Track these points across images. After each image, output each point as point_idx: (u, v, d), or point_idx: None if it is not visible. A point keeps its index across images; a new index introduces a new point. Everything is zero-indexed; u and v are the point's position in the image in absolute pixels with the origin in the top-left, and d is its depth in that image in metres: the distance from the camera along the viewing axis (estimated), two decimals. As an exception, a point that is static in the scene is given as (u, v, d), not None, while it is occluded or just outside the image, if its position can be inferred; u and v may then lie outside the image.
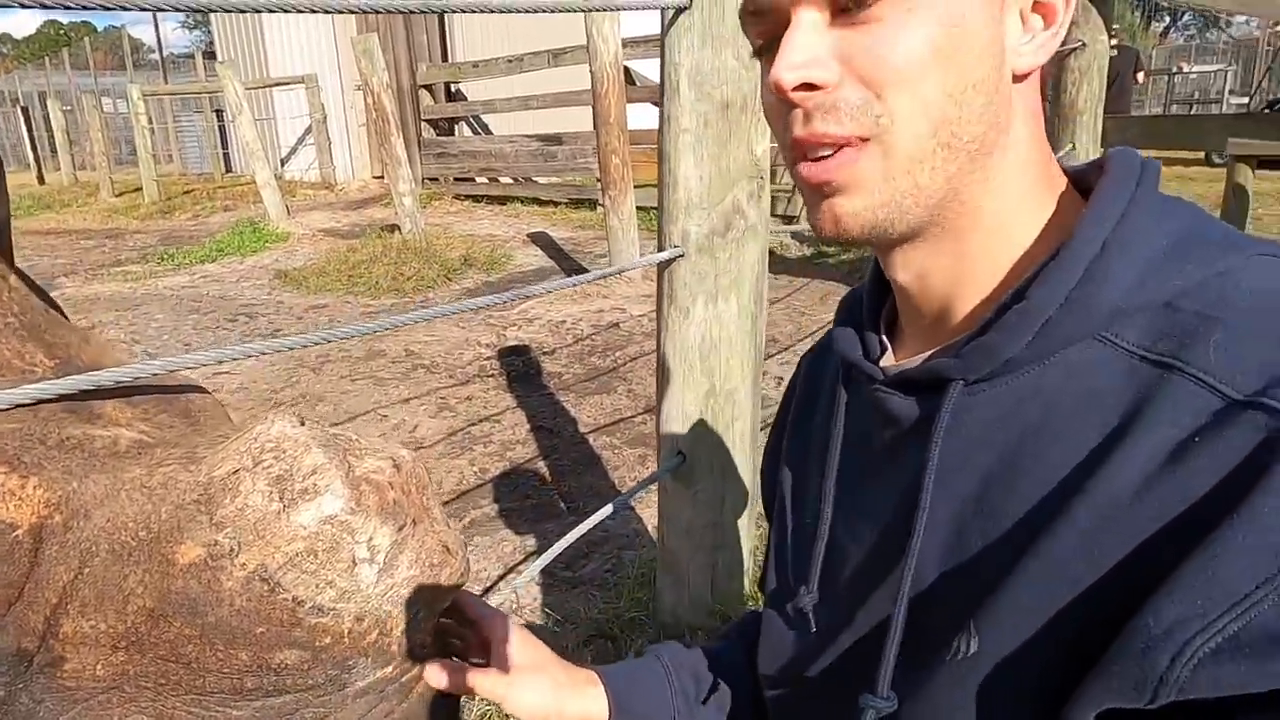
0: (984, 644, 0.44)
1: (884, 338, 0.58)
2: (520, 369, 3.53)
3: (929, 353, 0.52)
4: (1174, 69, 17.18)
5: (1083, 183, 0.51)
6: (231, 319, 4.48)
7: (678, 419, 1.26)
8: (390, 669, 0.55)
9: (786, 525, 0.65)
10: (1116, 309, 0.44)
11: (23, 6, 0.66)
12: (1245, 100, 13.52)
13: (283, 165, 10.95)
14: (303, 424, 0.53)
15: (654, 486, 1.52)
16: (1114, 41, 8.12)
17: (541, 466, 2.58)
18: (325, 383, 3.38)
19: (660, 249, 1.19)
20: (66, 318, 0.84)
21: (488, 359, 3.68)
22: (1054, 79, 2.72)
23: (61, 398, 0.58)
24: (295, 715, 0.53)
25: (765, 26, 0.49)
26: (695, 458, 1.27)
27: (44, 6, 0.67)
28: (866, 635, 0.53)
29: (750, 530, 1.42)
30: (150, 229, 8.22)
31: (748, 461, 1.32)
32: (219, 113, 12.91)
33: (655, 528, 2.07)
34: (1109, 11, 2.39)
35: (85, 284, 5.58)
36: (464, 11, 0.94)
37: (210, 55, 14.80)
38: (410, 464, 0.56)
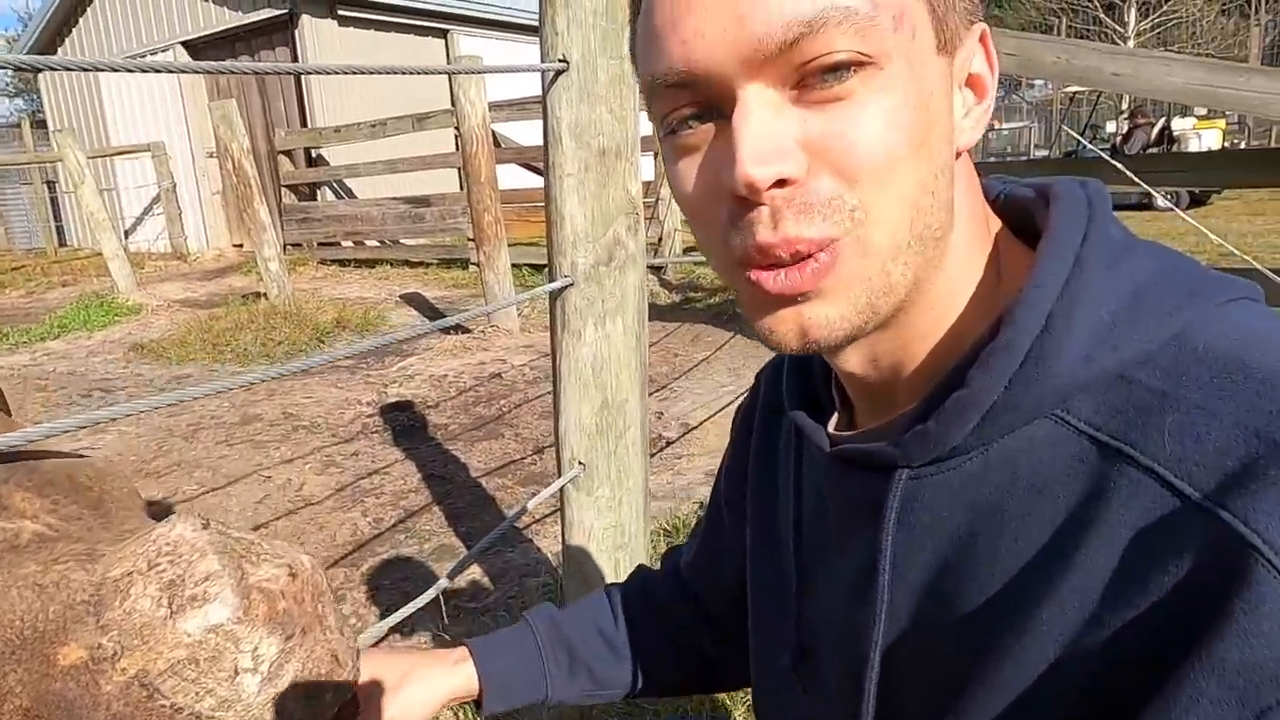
0: None
1: (835, 395, 0.55)
2: (405, 423, 3.55)
3: (871, 428, 0.49)
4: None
5: (1023, 216, 0.47)
6: (85, 394, 4.24)
7: (575, 431, 1.39)
8: None
9: (759, 567, 0.63)
10: (1065, 387, 0.40)
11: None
12: (1046, 153, 15.36)
13: (127, 236, 10.40)
14: (206, 527, 0.54)
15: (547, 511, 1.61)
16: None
17: (437, 511, 2.62)
18: (200, 449, 3.28)
19: (551, 279, 1.34)
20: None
21: (370, 416, 3.67)
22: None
23: None
24: None
25: (693, 99, 0.41)
26: (594, 466, 1.40)
27: None
28: (844, 715, 0.52)
29: (646, 530, 1.56)
30: (-23, 308, 7.60)
31: (640, 466, 1.46)
32: (50, 184, 12.14)
33: (556, 555, 2.17)
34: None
35: (-94, 368, 5.11)
36: (355, 74, 1.06)
37: (40, 124, 13.91)
38: (309, 571, 0.57)
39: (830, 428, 0.54)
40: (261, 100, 9.48)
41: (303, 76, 8.90)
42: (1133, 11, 17.29)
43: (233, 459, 3.16)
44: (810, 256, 0.40)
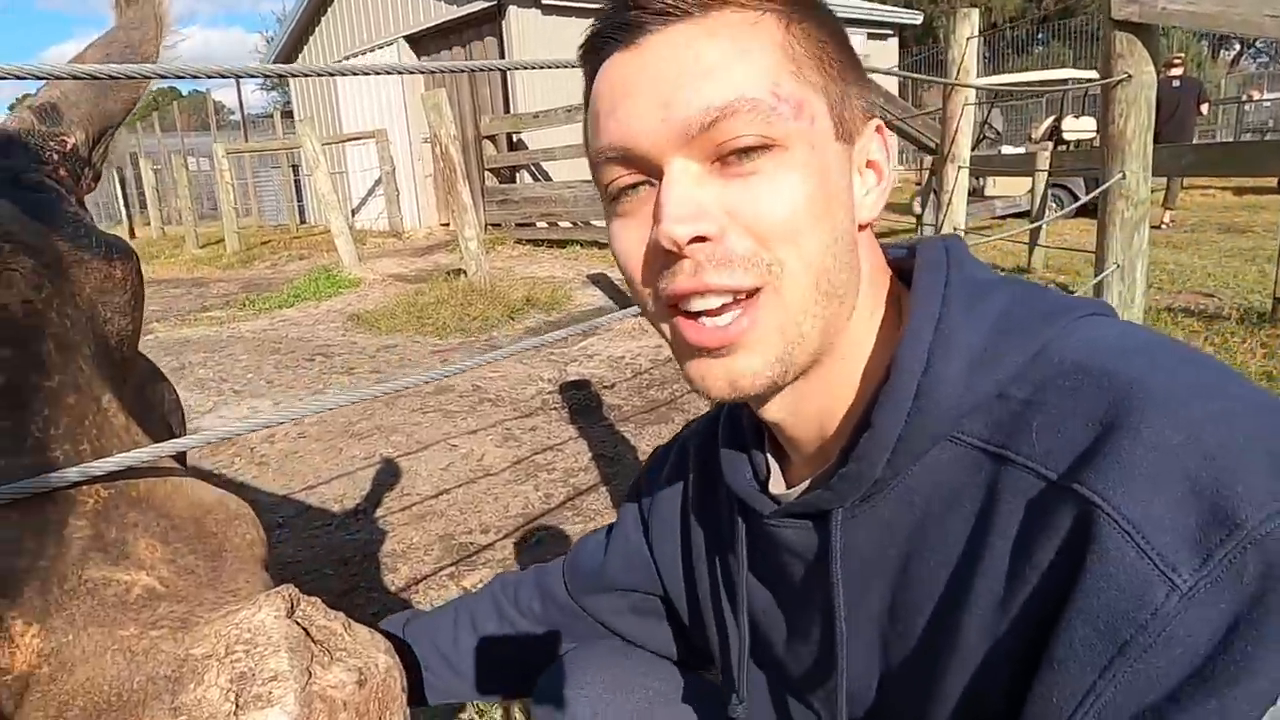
0: None
1: (769, 457, 0.60)
2: (581, 402, 3.66)
3: (809, 480, 0.56)
4: (1244, 97, 16.76)
5: (904, 271, 0.55)
6: (309, 359, 4.74)
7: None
8: None
9: (708, 621, 0.70)
10: (954, 412, 0.47)
11: (145, 77, 0.79)
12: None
13: (354, 215, 11.48)
14: (291, 612, 0.54)
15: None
16: (1177, 73, 8.03)
17: (604, 492, 2.68)
18: (398, 415, 3.56)
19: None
20: (172, 396, 0.89)
21: (550, 393, 3.82)
22: (1101, 110, 2.78)
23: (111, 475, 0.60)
24: None
25: (629, 170, 0.49)
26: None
27: (149, 76, 0.81)
28: None
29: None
30: (232, 277, 8.72)
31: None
32: (295, 168, 13.64)
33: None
34: (1155, 44, 2.44)
35: (175, 328, 5.96)
36: (526, 68, 1.07)
37: (288, 114, 15.66)
38: (381, 677, 0.55)
39: (771, 484, 0.59)
40: (471, 89, 10.09)
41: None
42: None
43: (425, 426, 3.41)
44: (735, 303, 0.48)
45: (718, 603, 0.68)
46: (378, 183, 10.91)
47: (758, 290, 0.47)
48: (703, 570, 0.70)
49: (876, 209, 0.52)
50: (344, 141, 11.08)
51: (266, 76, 0.70)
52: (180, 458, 0.82)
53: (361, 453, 3.14)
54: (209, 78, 0.67)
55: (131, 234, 15.76)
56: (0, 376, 0.62)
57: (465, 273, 6.31)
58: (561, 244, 8.08)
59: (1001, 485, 0.44)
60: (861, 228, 0.52)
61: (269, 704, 0.50)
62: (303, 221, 13.63)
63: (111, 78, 0.66)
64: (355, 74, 0.79)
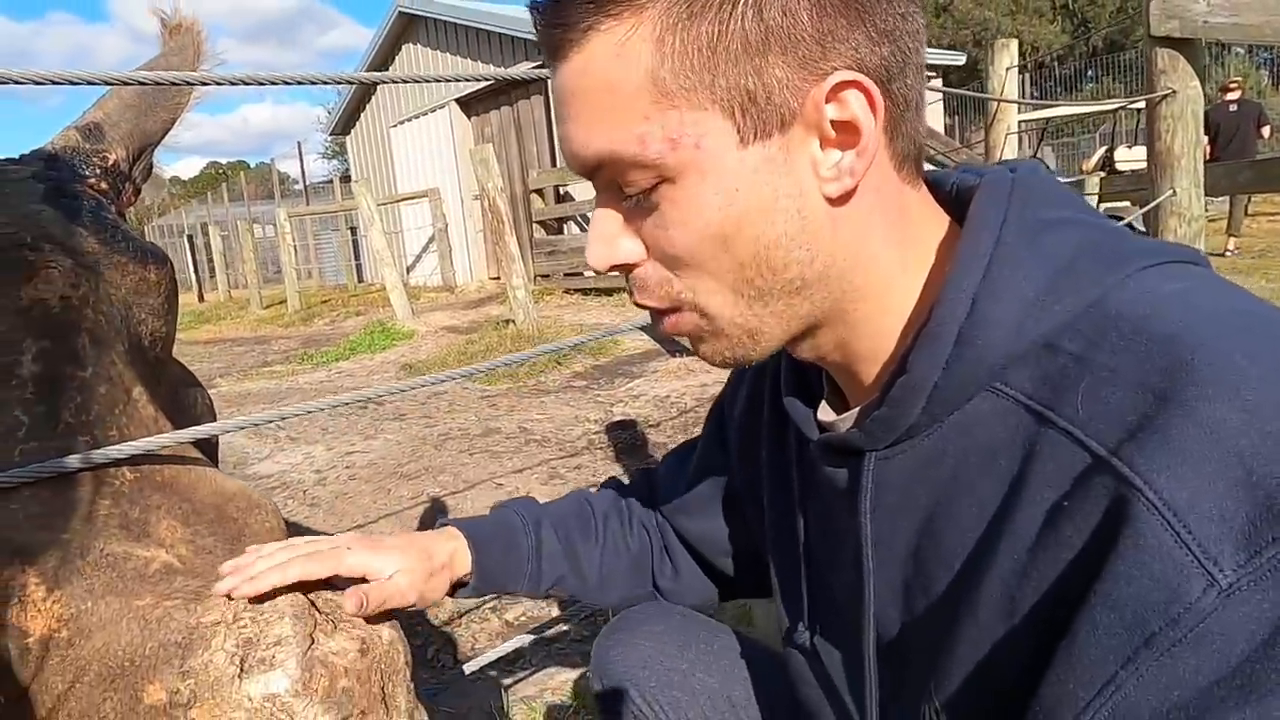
0: (947, 714, 0.47)
1: (825, 386, 0.60)
2: (627, 441, 3.65)
3: (849, 415, 0.54)
4: (1309, 123, 16.24)
5: (966, 201, 0.50)
6: (362, 407, 4.85)
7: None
8: None
9: (777, 552, 0.69)
10: (999, 361, 0.44)
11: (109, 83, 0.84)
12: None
13: (409, 272, 11.80)
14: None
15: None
16: (1234, 96, 7.86)
17: (647, 526, 2.66)
18: (446, 457, 3.61)
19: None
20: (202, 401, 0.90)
21: (596, 434, 3.82)
22: (1148, 128, 2.73)
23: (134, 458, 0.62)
24: None
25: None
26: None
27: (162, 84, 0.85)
28: (857, 680, 0.57)
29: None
30: (293, 334, 9.01)
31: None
32: (353, 229, 14.15)
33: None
34: (1199, 59, 2.41)
35: (238, 382, 6.17)
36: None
37: (346, 179, 16.30)
38: (384, 647, 0.57)
39: (820, 414, 0.58)
40: (518, 144, 10.39)
41: (554, 121, 9.63)
42: None
43: (472, 467, 3.44)
44: (667, 313, 0.51)
45: (782, 535, 0.67)
46: (431, 240, 11.23)
47: (679, 308, 0.50)
48: (772, 497, 0.68)
49: (852, 178, 0.45)
50: (399, 201, 11.47)
51: (315, 84, 0.74)
52: (211, 455, 0.85)
53: (409, 493, 3.18)
54: (254, 84, 0.70)
55: (200, 298, 16.48)
56: (37, 366, 0.66)
57: (514, 321, 6.42)
58: (608, 291, 8.16)
59: (1039, 448, 0.42)
60: (841, 200, 0.46)
61: (271, 667, 0.52)
62: (360, 280, 14.07)
63: (172, 84, 0.72)
64: (393, 82, 0.83)
